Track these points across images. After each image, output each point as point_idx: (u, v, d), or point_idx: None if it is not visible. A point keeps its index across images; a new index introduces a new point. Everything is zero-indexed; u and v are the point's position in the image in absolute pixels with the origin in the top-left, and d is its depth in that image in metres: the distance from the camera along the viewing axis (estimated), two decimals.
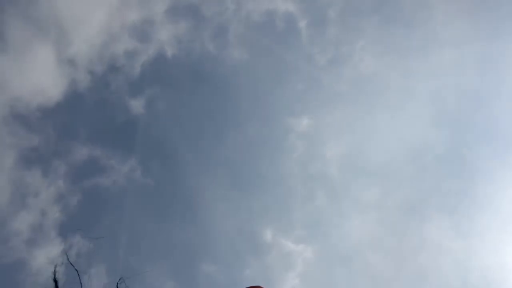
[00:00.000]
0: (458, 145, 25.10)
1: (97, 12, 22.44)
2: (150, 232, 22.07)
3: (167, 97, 23.61)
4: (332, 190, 24.18)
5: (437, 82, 25.28)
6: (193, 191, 22.91)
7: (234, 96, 24.10)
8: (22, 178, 21.31)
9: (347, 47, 25.09)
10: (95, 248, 21.56)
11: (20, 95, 21.56)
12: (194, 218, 22.64)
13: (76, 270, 13.67)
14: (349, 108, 25.43)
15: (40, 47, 21.66)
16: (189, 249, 22.17)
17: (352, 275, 23.02)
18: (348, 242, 24.04)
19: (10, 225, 20.77)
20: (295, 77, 24.70)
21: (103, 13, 22.43)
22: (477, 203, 24.45)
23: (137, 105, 23.00)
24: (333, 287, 22.61)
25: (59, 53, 22.14)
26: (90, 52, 22.51)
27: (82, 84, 22.57)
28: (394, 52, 25.82)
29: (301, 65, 24.63)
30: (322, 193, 23.84)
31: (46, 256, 20.88)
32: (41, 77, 21.62)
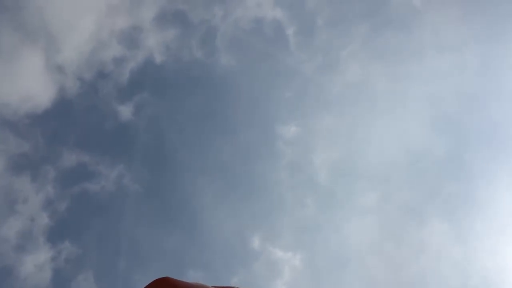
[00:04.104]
0: (457, 148, 24.88)
1: (86, 18, 22.84)
2: (138, 238, 22.02)
3: (156, 103, 23.82)
4: (324, 196, 23.96)
5: (434, 86, 25.25)
6: (182, 197, 22.93)
7: (222, 103, 24.26)
8: (11, 185, 21.47)
9: (337, 53, 25.20)
10: (83, 254, 21.57)
11: (8, 101, 21.88)
12: (182, 224, 22.57)
13: None
14: (344, 113, 25.39)
15: (28, 53, 22.00)
16: (177, 255, 22.11)
17: (349, 280, 22.67)
18: (344, 248, 23.73)
19: None
20: (285, 84, 24.81)
21: (91, 20, 22.81)
22: (477, 207, 24.15)
23: (126, 111, 23.20)
24: None
25: (48, 59, 22.47)
26: (79, 59, 22.84)
27: (71, 90, 22.86)
28: (389, 57, 25.85)
29: (290, 72, 24.79)
30: (312, 200, 23.64)
31: (35, 263, 20.89)
32: (29, 83, 21.92)
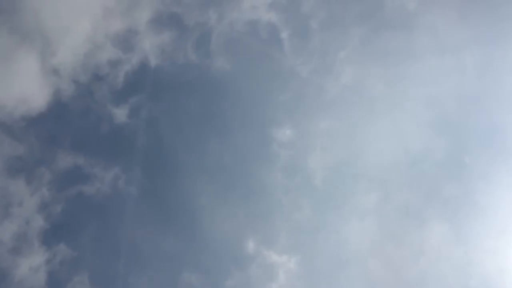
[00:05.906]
0: (457, 150, 24.69)
1: (81, 21, 23.14)
2: (134, 240, 21.98)
3: (151, 106, 23.97)
4: (321, 198, 23.80)
5: (433, 87, 25.15)
6: (176, 200, 22.90)
7: (217, 105, 24.35)
8: (6, 187, 21.57)
9: (333, 55, 25.23)
10: (79, 257, 21.52)
11: (3, 104, 22.11)
12: (177, 226, 22.53)
13: None
14: (341, 115, 25.30)
15: (24, 55, 22.26)
16: (172, 257, 22.01)
17: (347, 283, 22.46)
18: (342, 250, 23.57)
19: None
20: (281, 86, 24.86)
21: (87, 23, 23.12)
22: (477, 208, 23.92)
23: (121, 114, 23.38)
24: None
25: (43, 62, 22.75)
26: (74, 61, 23.12)
27: (66, 93, 23.09)
28: (386, 59, 25.80)
29: (286, 74, 24.88)
30: (309, 202, 23.53)
31: (30, 265, 20.86)
32: (25, 86, 22.14)
